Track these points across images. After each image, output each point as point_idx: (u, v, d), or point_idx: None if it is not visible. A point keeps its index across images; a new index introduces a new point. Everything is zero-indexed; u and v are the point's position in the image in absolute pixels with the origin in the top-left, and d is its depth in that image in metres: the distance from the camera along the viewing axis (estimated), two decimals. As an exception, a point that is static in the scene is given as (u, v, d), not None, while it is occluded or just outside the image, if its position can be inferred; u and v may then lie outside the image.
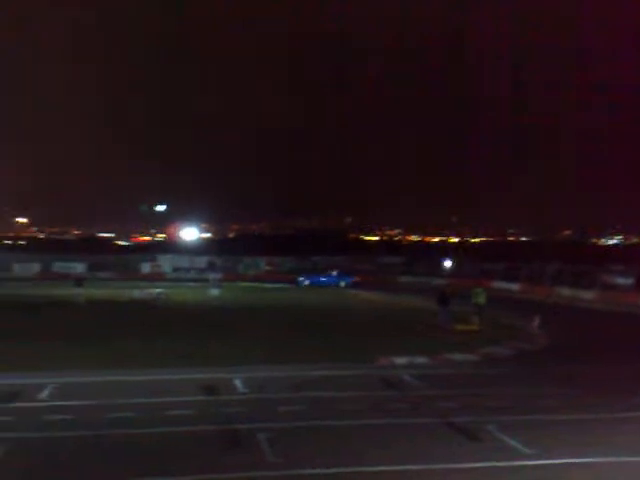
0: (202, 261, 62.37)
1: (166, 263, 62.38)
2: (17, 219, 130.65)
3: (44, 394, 14.99)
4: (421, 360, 19.79)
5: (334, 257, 63.54)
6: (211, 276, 43.72)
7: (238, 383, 16.30)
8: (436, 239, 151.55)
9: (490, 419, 13.14)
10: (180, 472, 10.22)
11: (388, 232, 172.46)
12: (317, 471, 10.36)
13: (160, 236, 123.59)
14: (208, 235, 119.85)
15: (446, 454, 11.14)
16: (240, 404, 14.28)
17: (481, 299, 28.59)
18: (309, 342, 22.83)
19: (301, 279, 54.16)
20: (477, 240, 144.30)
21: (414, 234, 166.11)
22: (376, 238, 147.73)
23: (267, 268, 62.66)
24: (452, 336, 24.63)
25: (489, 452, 11.21)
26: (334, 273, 54.39)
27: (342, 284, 52.45)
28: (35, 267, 59.50)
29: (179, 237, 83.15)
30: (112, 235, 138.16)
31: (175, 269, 61.46)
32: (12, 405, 14.03)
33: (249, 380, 16.56)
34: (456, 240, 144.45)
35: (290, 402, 14.39)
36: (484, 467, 10.61)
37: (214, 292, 40.40)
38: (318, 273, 55.61)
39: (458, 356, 20.48)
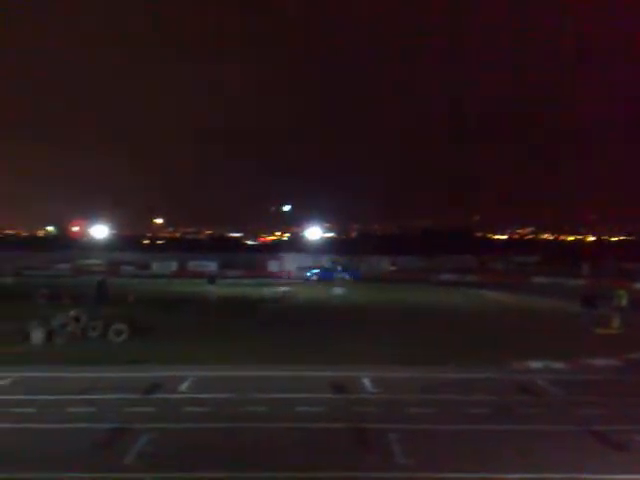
0: (326, 260, 63.24)
1: (292, 262, 63.80)
2: (154, 220, 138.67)
3: (183, 387, 15.72)
4: (558, 365, 18.81)
5: (460, 256, 62.11)
6: (338, 275, 44.15)
7: (367, 382, 16.26)
8: (571, 238, 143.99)
9: (637, 428, 12.21)
10: (311, 468, 10.30)
11: (518, 231, 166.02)
12: (449, 475, 10.08)
13: (286, 236, 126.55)
14: (331, 235, 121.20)
15: (592, 464, 10.48)
16: (370, 404, 14.23)
17: (623, 301, 26.84)
18: (437, 342, 22.40)
19: (309, 274, 57.10)
20: (616, 239, 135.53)
21: (547, 232, 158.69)
22: (504, 237, 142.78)
23: (391, 268, 62.38)
24: (593, 340, 23.24)
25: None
26: (339, 268, 56.85)
27: (347, 277, 54.27)
28: (172, 265, 62.94)
29: (304, 237, 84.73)
30: (240, 235, 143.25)
31: (300, 268, 62.68)
32: (154, 396, 14.81)
33: (378, 380, 16.47)
34: (593, 239, 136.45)
35: (420, 404, 14.15)
36: (635, 480, 9.88)
37: (338, 291, 40.77)
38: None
39: (599, 361, 19.27)
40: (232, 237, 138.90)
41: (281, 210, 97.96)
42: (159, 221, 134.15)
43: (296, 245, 78.48)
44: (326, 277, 55.20)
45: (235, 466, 10.35)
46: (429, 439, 11.84)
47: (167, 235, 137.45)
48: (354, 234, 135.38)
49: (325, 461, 10.64)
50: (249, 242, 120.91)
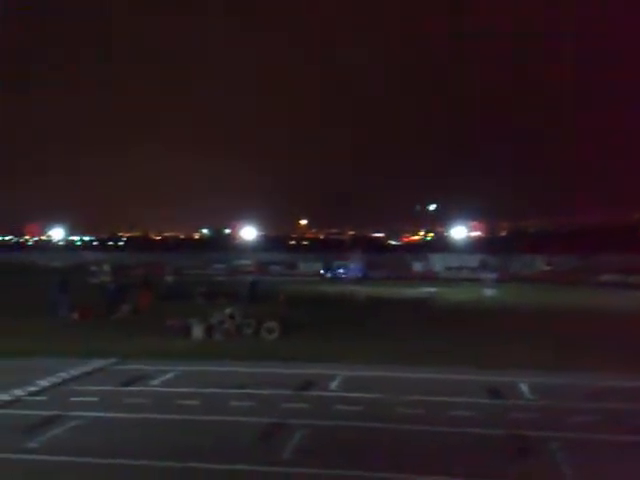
0: (474, 260, 61.58)
1: (438, 262, 62.81)
2: (299, 221, 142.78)
3: (333, 385, 15.92)
4: None
5: (624, 255, 57.77)
6: (485, 275, 42.90)
7: (524, 388, 15.54)
8: None
9: None
10: (466, 474, 9.97)
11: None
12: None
13: (430, 235, 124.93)
14: (477, 233, 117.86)
15: None
16: (529, 410, 13.56)
17: None
18: (598, 347, 20.98)
19: (323, 271, 60.12)
20: None
21: None
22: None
23: (546, 267, 59.47)
24: None
25: None
26: (352, 266, 59.04)
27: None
28: (317, 265, 64.38)
29: (449, 236, 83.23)
30: (382, 235, 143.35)
31: (447, 268, 61.55)
32: (307, 393, 15.11)
33: (536, 385, 15.68)
34: None
35: (583, 412, 13.27)
36: None
37: (488, 292, 39.51)
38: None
39: None
40: (374, 237, 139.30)
41: (427, 209, 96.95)
42: (303, 222, 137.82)
43: (441, 245, 77.25)
44: (353, 275, 56.36)
45: (391, 468, 10.25)
46: (594, 450, 11.05)
47: (311, 236, 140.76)
48: (504, 232, 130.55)
49: (485, 468, 10.25)
50: (392, 242, 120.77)
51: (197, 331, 23.39)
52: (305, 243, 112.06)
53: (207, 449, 11.00)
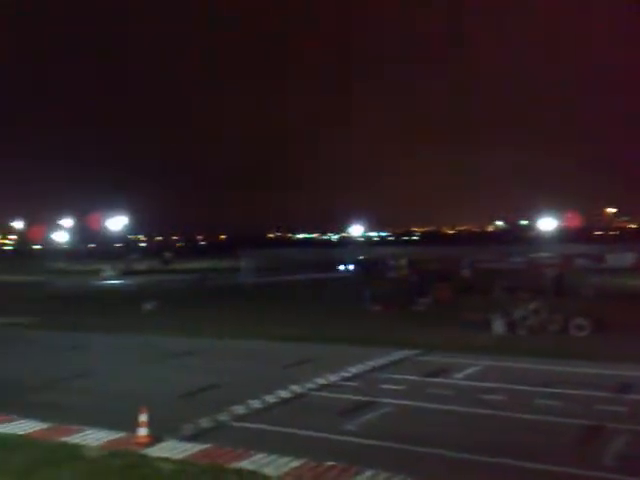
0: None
1: None
2: (606, 210, 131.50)
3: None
4: None
5: None
6: None
7: None
8: None
9: None
10: None
11: None
12: None
13: None
14: None
15: None
16: None
17: None
18: None
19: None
20: None
21: None
22: None
23: None
24: None
25: None
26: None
27: None
28: (628, 257, 58.39)
29: None
30: None
31: None
32: (625, 396, 13.72)
33: None
34: None
35: None
36: None
37: None
38: None
39: None
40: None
41: None
42: (611, 210, 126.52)
43: None
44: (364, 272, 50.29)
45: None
46: None
47: (621, 225, 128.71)
48: None
49: None
50: None
51: (498, 326, 22.86)
52: (613, 233, 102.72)
53: (516, 446, 10.58)
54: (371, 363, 17.48)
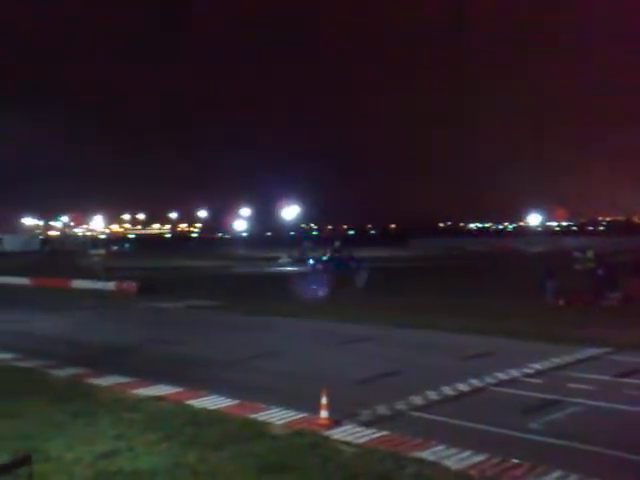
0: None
1: None
2: None
3: None
4: None
5: None
6: None
7: None
8: None
9: None
10: None
11: None
12: None
13: None
14: None
15: None
16: None
17: None
18: None
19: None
20: None
21: None
22: None
23: None
24: None
25: None
26: None
27: None
28: None
29: None
30: None
31: None
32: None
33: None
34: None
35: None
36: None
37: None
38: None
39: None
40: None
41: None
42: None
43: None
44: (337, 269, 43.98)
45: None
46: None
47: None
48: None
49: None
50: None
51: None
52: None
53: None
54: (556, 360, 16.46)
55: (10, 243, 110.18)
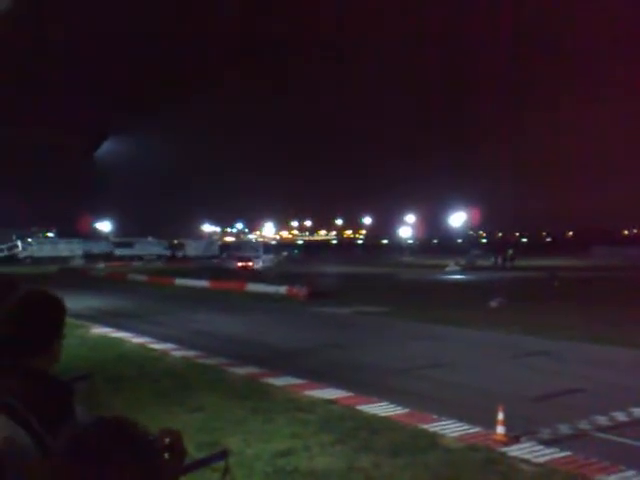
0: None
1: None
2: None
3: None
4: None
5: None
6: None
7: None
8: None
9: None
10: None
11: None
12: None
13: None
14: None
15: None
16: None
17: None
18: None
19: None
20: None
21: None
22: None
23: None
24: None
25: None
26: None
27: None
28: None
29: None
30: None
31: None
32: None
33: None
34: None
35: None
36: None
37: None
38: None
39: None
40: None
41: None
42: None
43: None
44: None
45: None
46: None
47: None
48: None
49: None
50: None
51: None
52: None
53: None
54: None
55: (192, 248, 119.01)
